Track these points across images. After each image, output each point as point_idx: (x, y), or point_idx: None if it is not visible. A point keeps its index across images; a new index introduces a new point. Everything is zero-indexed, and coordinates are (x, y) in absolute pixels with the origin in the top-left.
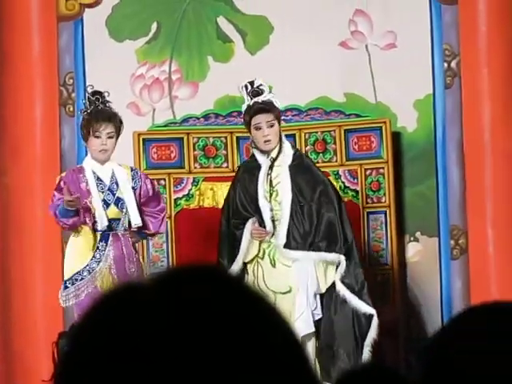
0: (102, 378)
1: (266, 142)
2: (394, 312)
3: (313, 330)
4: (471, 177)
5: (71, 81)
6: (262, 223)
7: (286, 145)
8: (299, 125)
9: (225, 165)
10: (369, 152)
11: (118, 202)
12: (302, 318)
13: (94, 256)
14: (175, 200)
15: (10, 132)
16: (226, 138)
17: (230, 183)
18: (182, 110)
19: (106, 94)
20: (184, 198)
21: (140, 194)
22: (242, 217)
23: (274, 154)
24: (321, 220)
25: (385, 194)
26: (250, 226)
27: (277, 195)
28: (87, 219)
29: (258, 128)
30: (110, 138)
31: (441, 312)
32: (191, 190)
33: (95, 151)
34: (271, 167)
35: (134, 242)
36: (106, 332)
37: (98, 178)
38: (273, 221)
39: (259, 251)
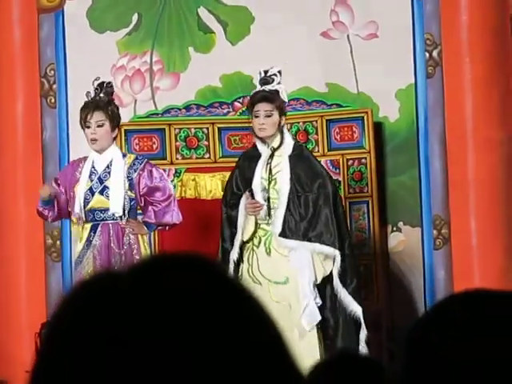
0: (80, 366)
1: (260, 129)
2: (377, 302)
3: (319, 318)
4: (453, 167)
5: (52, 72)
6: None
7: (287, 135)
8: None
9: (207, 155)
10: (351, 142)
11: (104, 190)
12: (308, 309)
13: (83, 247)
14: None
15: None
16: (207, 128)
17: (212, 174)
18: (164, 101)
19: (108, 84)
20: None
21: (139, 183)
22: (238, 197)
23: (275, 144)
24: (317, 211)
25: (367, 184)
26: (243, 201)
27: (275, 184)
28: (71, 210)
29: (256, 116)
30: (99, 126)
31: (424, 302)
32: (173, 180)
33: (88, 141)
34: (271, 156)
35: (135, 233)
36: (83, 319)
37: (94, 167)
38: (270, 209)
39: (255, 237)
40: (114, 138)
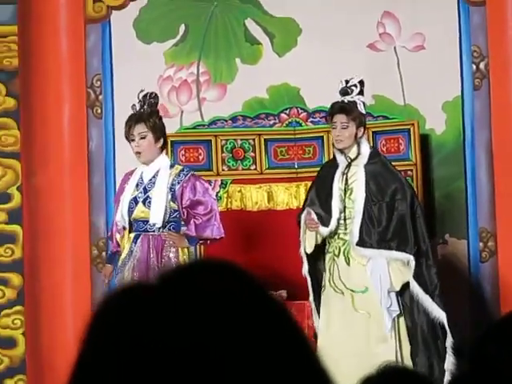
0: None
1: (336, 140)
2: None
3: (388, 328)
4: (500, 179)
5: (99, 83)
6: (323, 218)
7: (364, 146)
8: (327, 127)
9: (253, 167)
10: (397, 154)
11: (147, 199)
12: (386, 316)
13: (125, 256)
14: None
15: (39, 134)
16: (253, 140)
17: (258, 185)
18: (210, 112)
19: (152, 95)
20: None
21: (182, 195)
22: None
23: (352, 155)
24: (393, 219)
25: None
26: (303, 216)
27: (351, 193)
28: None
29: (333, 127)
30: (142, 138)
31: (470, 314)
32: (219, 192)
33: (134, 154)
34: (348, 166)
35: (176, 246)
36: (113, 328)
37: (141, 177)
38: (346, 219)
39: (335, 247)
40: (162, 149)
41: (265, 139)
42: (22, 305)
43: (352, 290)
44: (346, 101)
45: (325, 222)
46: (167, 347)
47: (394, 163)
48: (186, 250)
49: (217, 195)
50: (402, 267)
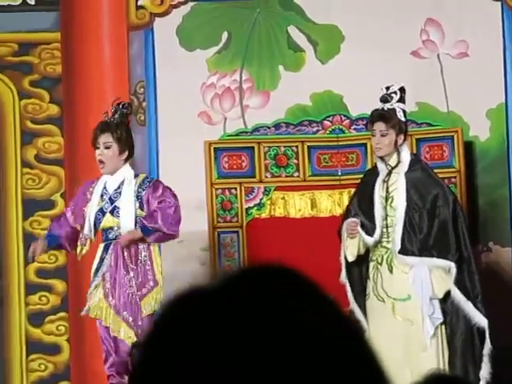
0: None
1: (376, 148)
2: None
3: (429, 336)
4: None
5: (142, 90)
6: (368, 227)
7: (405, 153)
8: (370, 134)
9: (296, 174)
10: (441, 161)
11: (115, 209)
12: (426, 325)
13: (97, 267)
14: (246, 209)
15: (82, 141)
16: (297, 147)
17: (301, 192)
18: (253, 119)
19: (124, 105)
20: (255, 208)
21: (148, 200)
22: (348, 217)
23: (392, 163)
24: (434, 226)
25: None
26: (345, 223)
27: (392, 201)
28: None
29: (373, 135)
30: (107, 148)
31: None
32: (262, 199)
33: (97, 162)
34: (389, 174)
35: (130, 238)
36: (175, 338)
37: (105, 188)
38: (387, 227)
39: (379, 255)
40: (126, 160)
41: (308, 146)
42: (66, 311)
43: (394, 298)
44: (385, 108)
45: (369, 231)
46: (231, 354)
47: (437, 170)
48: (156, 249)
49: (260, 202)
50: (445, 274)
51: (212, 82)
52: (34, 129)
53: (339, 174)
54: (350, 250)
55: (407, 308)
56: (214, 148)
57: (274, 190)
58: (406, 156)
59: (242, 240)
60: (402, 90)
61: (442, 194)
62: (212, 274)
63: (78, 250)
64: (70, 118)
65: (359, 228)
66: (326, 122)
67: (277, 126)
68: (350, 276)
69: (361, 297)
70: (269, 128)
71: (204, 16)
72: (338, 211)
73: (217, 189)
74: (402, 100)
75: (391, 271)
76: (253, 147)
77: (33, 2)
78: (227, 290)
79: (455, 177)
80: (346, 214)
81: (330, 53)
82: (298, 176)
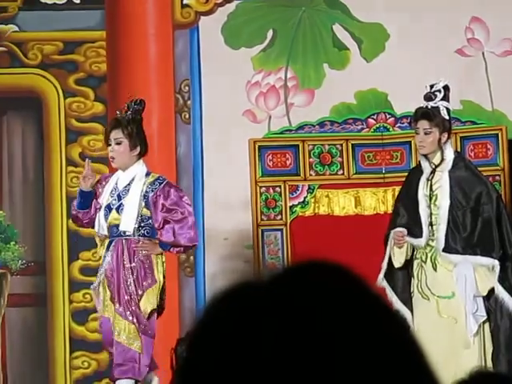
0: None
1: (419, 146)
2: None
3: (473, 333)
4: None
5: (187, 88)
6: (416, 230)
7: (449, 151)
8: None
9: (340, 172)
10: (485, 159)
11: (120, 207)
12: (468, 322)
13: (101, 263)
14: (290, 207)
15: None
16: (341, 145)
17: (345, 190)
18: (298, 117)
19: (137, 102)
20: (299, 206)
21: (155, 203)
22: (396, 222)
23: (436, 161)
24: (478, 224)
25: None
26: (393, 232)
27: (436, 199)
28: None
29: (417, 133)
30: (117, 144)
31: None
32: (306, 197)
33: (109, 158)
34: (433, 172)
35: (150, 253)
36: (223, 334)
37: (117, 184)
38: (432, 225)
39: (423, 254)
40: (139, 157)
41: (352, 144)
42: None
43: (438, 296)
44: (429, 106)
45: (416, 232)
46: (281, 350)
47: (481, 168)
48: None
49: (304, 200)
50: (488, 272)
51: (257, 81)
52: (79, 127)
53: (383, 171)
54: (397, 258)
55: (451, 306)
56: (259, 146)
57: (318, 187)
58: (449, 154)
59: (285, 238)
60: (447, 88)
61: (486, 192)
62: (256, 271)
63: (98, 245)
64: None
65: (407, 238)
66: (370, 119)
67: (321, 123)
68: (393, 275)
69: (406, 294)
70: (313, 126)
71: (249, 14)
72: (382, 209)
73: (261, 187)
74: (446, 98)
75: (435, 269)
76: (297, 145)
77: (78, 1)
78: (277, 285)
79: (499, 175)
80: (393, 214)
81: (375, 51)
82: (343, 174)
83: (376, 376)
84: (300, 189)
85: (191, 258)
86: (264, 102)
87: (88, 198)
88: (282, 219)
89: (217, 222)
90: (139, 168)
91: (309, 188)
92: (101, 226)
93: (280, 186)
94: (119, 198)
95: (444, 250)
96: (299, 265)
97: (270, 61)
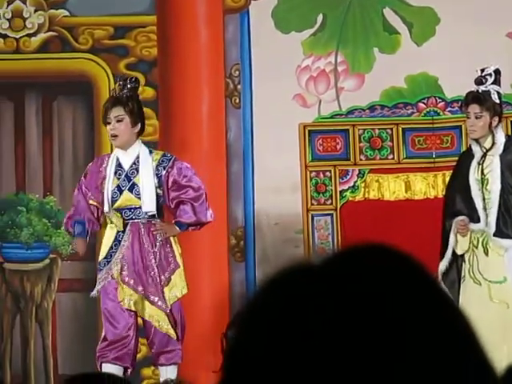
0: (273, 365)
1: (470, 131)
2: None
3: None
4: None
5: (237, 72)
6: (473, 215)
7: (500, 135)
8: (465, 116)
9: (390, 156)
10: None
11: (133, 187)
12: None
13: (111, 246)
14: (340, 192)
15: (178, 124)
16: (391, 129)
17: (395, 175)
18: (348, 102)
19: (132, 79)
20: (349, 190)
21: (167, 180)
22: (452, 208)
23: (487, 145)
24: None
25: None
26: (455, 222)
27: (487, 184)
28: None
29: (468, 117)
30: (118, 121)
31: None
32: (356, 181)
33: (109, 138)
34: (484, 156)
35: (168, 236)
36: (274, 316)
37: (119, 165)
38: (485, 209)
39: (474, 238)
40: (139, 134)
41: (402, 129)
42: None
43: (490, 281)
44: (480, 90)
45: (474, 217)
46: (338, 334)
47: None
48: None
49: (354, 185)
50: None
51: (307, 65)
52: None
53: (434, 156)
54: (460, 245)
55: (503, 290)
56: (309, 130)
57: (369, 172)
58: (500, 138)
59: (335, 223)
60: (497, 72)
61: None
62: (306, 256)
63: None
64: (165, 100)
65: (469, 226)
66: (420, 104)
67: (371, 108)
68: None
69: (455, 280)
70: (363, 110)
71: None
72: (433, 194)
73: (311, 171)
74: (496, 82)
75: (487, 254)
76: (347, 130)
77: None
78: (332, 268)
79: None
80: (447, 200)
81: (426, 35)
82: (393, 158)
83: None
84: (350, 173)
85: (241, 242)
86: (314, 87)
87: (82, 229)
88: (332, 204)
89: (267, 207)
90: (141, 146)
91: (359, 173)
92: (110, 209)
93: (330, 171)
94: (128, 178)
95: (495, 235)
96: (352, 248)
97: (320, 45)
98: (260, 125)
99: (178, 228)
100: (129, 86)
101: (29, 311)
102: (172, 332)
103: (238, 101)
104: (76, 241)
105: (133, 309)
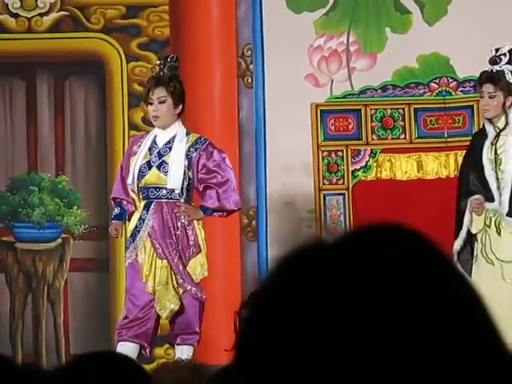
0: (286, 344)
1: (484, 110)
2: None
3: None
4: None
5: (249, 52)
6: (487, 194)
7: None
8: (477, 96)
9: (402, 136)
10: None
11: (162, 165)
12: None
13: (135, 226)
14: (352, 171)
15: (190, 104)
16: (403, 109)
17: (407, 155)
18: (360, 82)
19: (173, 58)
20: (361, 170)
21: (198, 163)
22: (466, 187)
23: (500, 125)
24: None
25: None
26: (470, 201)
27: (500, 164)
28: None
29: (481, 96)
30: (161, 103)
31: None
32: (368, 161)
33: (150, 118)
34: (497, 136)
35: (191, 219)
36: (287, 296)
37: (155, 142)
38: (499, 189)
39: (487, 218)
40: (179, 115)
41: (414, 108)
42: None
43: (502, 261)
44: (494, 70)
45: (488, 196)
46: (353, 312)
47: None
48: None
49: (366, 164)
50: None
51: (319, 45)
52: (142, 91)
53: (445, 136)
54: (475, 225)
55: None
56: (321, 110)
57: (381, 152)
58: None
59: (347, 202)
60: (511, 51)
61: None
62: (318, 235)
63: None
64: None
65: (486, 205)
66: (432, 84)
67: (383, 88)
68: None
69: (467, 259)
70: (375, 90)
71: None
72: (445, 173)
73: (323, 151)
74: (511, 62)
75: (499, 233)
76: (359, 109)
77: None
78: (345, 248)
79: None
80: (461, 180)
81: (438, 14)
82: (405, 138)
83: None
84: (362, 153)
85: (253, 222)
86: (326, 66)
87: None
88: (344, 183)
89: (279, 187)
90: (180, 126)
91: (371, 152)
92: (134, 182)
93: (342, 151)
94: (160, 155)
95: (508, 215)
96: (365, 228)
97: (332, 25)
98: (272, 104)
99: (202, 212)
100: (169, 64)
101: (41, 291)
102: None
103: (250, 80)
104: (111, 224)
105: (151, 292)
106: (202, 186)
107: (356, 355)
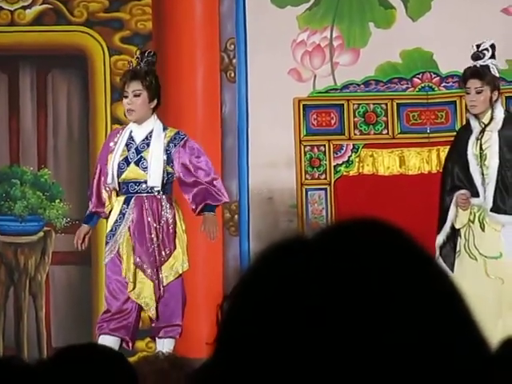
0: (266, 337)
1: (471, 106)
2: None
3: None
4: None
5: (232, 47)
6: (472, 190)
7: (498, 110)
8: (460, 92)
9: (385, 131)
10: None
11: (140, 160)
12: None
13: (116, 220)
14: (335, 166)
15: (172, 98)
16: (386, 104)
17: (390, 150)
18: (343, 77)
19: (150, 53)
20: (344, 165)
21: (178, 158)
22: (451, 182)
23: (485, 120)
24: None
25: None
26: (456, 195)
27: (485, 159)
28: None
29: (467, 93)
30: (135, 96)
31: None
32: (351, 156)
33: (125, 112)
34: (482, 132)
35: (217, 231)
36: (268, 289)
37: (131, 138)
38: (483, 184)
39: (471, 213)
40: (154, 109)
41: (397, 104)
42: None
43: (486, 256)
44: (478, 65)
45: (473, 191)
46: (330, 305)
47: None
48: (181, 213)
49: (348, 159)
50: None
51: (302, 39)
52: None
53: (428, 131)
54: (460, 219)
55: (498, 266)
56: (303, 105)
57: (363, 147)
58: (499, 113)
59: (329, 197)
60: (493, 46)
61: None
62: (300, 230)
63: (107, 203)
64: (160, 75)
65: (471, 200)
66: (415, 79)
67: (366, 83)
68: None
69: (450, 254)
70: (358, 85)
71: None
72: (427, 169)
73: (305, 146)
74: (494, 57)
75: (483, 229)
76: (342, 104)
77: None
78: (324, 242)
79: None
80: (445, 175)
81: (421, 10)
82: (387, 133)
83: (438, 338)
84: (344, 148)
85: (235, 217)
86: (309, 61)
87: (95, 219)
88: (326, 178)
89: (261, 181)
90: (156, 121)
91: (353, 147)
92: (114, 179)
93: (324, 146)
94: (138, 151)
95: (492, 210)
96: (345, 222)
97: (315, 20)
98: (255, 99)
99: (213, 215)
100: (146, 59)
101: (22, 284)
102: (153, 312)
103: (232, 75)
104: (83, 227)
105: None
106: (190, 180)
107: (334, 348)
